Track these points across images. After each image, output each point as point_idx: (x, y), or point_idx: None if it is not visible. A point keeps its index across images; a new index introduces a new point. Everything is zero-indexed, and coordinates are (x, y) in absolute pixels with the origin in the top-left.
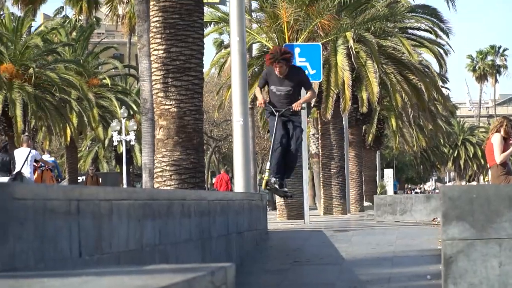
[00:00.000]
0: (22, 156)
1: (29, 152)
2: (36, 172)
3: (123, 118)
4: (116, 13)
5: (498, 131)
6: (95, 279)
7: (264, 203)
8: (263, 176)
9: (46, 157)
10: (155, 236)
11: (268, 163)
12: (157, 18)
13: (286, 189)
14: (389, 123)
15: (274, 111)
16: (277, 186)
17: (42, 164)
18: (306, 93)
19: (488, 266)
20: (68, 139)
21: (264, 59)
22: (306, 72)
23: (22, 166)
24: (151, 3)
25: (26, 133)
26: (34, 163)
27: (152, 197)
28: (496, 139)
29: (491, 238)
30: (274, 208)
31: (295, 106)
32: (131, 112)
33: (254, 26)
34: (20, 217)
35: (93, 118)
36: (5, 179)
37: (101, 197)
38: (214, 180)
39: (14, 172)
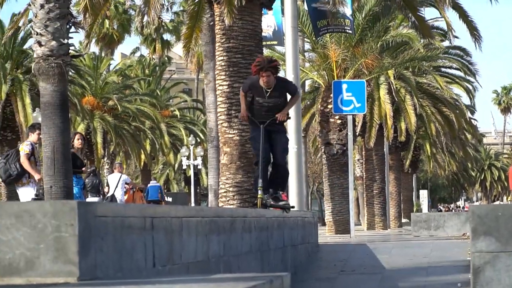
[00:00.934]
0: (115, 180)
1: (120, 177)
2: (127, 194)
3: (191, 145)
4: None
5: None
6: (168, 287)
7: (315, 219)
8: (258, 195)
9: (153, 182)
10: (219, 248)
11: (260, 180)
12: (222, 58)
13: (283, 202)
14: (424, 150)
15: (258, 123)
16: (272, 202)
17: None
18: (291, 98)
19: (511, 275)
20: (142, 163)
21: (251, 68)
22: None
23: (115, 189)
24: (217, 44)
25: (119, 161)
26: (126, 185)
27: (217, 214)
28: None
29: None
30: (324, 224)
31: (280, 116)
32: (198, 140)
33: (307, 64)
34: (101, 232)
35: (164, 144)
36: (95, 199)
37: (172, 215)
38: None
39: (108, 195)
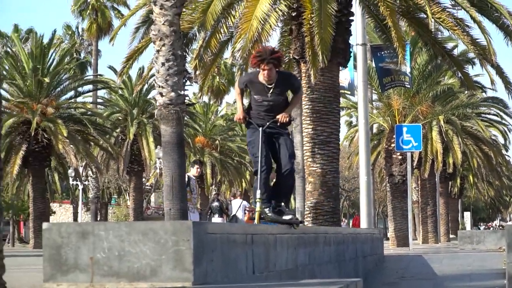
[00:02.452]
0: (237, 205)
1: (241, 203)
2: (247, 216)
3: None
4: None
5: None
6: None
7: (381, 235)
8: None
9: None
10: (305, 259)
11: (259, 191)
12: (307, 106)
13: (289, 216)
14: (468, 179)
15: (257, 126)
16: (273, 215)
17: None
18: (295, 95)
19: None
20: (243, 190)
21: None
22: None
23: (237, 211)
24: (303, 97)
25: (239, 190)
26: (246, 209)
27: (303, 232)
28: None
29: None
30: (387, 239)
31: (282, 117)
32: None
33: (374, 111)
34: (211, 246)
35: None
36: (219, 219)
37: (268, 232)
38: (351, 221)
39: (231, 215)
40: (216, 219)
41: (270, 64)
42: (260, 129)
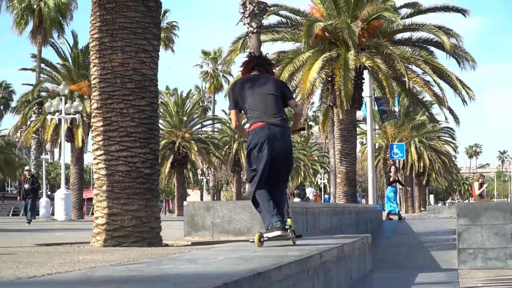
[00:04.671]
0: (309, 191)
1: (311, 190)
2: (315, 198)
3: (322, 173)
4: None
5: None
6: (314, 241)
7: (380, 209)
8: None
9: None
10: (337, 222)
11: (270, 219)
12: (337, 133)
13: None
14: (432, 175)
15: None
16: (290, 234)
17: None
18: (293, 109)
19: (478, 236)
20: (299, 183)
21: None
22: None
23: (308, 195)
24: (335, 127)
25: (308, 182)
26: (314, 194)
27: (336, 206)
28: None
29: (479, 225)
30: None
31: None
32: (327, 170)
33: (376, 135)
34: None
35: (311, 174)
36: (297, 200)
37: (315, 207)
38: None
39: (306, 197)
40: (296, 200)
41: (264, 70)
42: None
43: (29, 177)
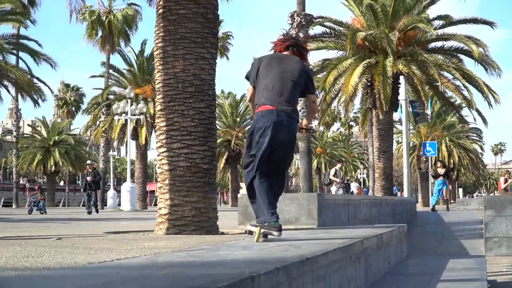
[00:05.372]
0: (353, 186)
1: (356, 185)
2: (359, 191)
3: (363, 169)
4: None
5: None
6: (355, 230)
7: (415, 201)
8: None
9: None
10: (375, 213)
11: (269, 217)
12: (376, 133)
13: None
14: (461, 171)
15: None
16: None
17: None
18: (309, 105)
19: (503, 226)
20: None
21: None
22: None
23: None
24: (373, 127)
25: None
26: (357, 188)
27: (374, 198)
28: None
29: (504, 216)
30: (417, 202)
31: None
32: (366, 166)
33: (411, 135)
34: (326, 206)
35: (351, 169)
36: (340, 191)
37: (356, 199)
38: (400, 193)
39: (351, 191)
40: (334, 190)
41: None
42: None
43: (91, 170)
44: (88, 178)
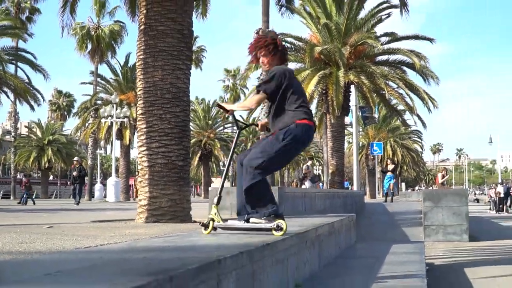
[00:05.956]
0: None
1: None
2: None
3: (317, 166)
4: (319, 133)
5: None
6: (310, 219)
7: (363, 193)
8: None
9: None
10: (329, 204)
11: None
12: (329, 134)
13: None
14: (403, 167)
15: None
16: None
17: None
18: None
19: (439, 216)
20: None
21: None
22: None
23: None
24: (328, 129)
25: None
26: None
27: (328, 192)
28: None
29: (440, 206)
30: (365, 194)
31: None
32: (321, 163)
33: (360, 136)
34: (286, 198)
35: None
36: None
37: (311, 192)
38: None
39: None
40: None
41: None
42: None
43: (77, 166)
44: (74, 173)
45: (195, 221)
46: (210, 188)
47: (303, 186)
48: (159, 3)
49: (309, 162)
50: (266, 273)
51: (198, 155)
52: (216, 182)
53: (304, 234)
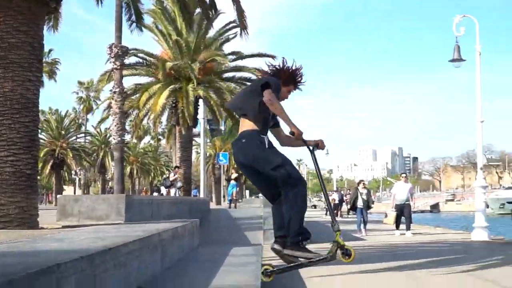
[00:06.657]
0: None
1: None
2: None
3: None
4: (169, 143)
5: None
6: (156, 224)
7: (209, 199)
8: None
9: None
10: (176, 210)
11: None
12: (179, 143)
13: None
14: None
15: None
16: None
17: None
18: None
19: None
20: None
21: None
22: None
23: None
24: (177, 140)
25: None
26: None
27: (175, 199)
28: None
29: None
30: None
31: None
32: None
33: (207, 146)
34: (133, 205)
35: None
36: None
37: (159, 199)
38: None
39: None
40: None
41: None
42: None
43: None
44: None
45: (42, 228)
46: (58, 196)
47: (171, 193)
48: (12, 16)
49: (176, 170)
50: (108, 276)
51: (50, 163)
52: (68, 190)
53: (146, 239)
